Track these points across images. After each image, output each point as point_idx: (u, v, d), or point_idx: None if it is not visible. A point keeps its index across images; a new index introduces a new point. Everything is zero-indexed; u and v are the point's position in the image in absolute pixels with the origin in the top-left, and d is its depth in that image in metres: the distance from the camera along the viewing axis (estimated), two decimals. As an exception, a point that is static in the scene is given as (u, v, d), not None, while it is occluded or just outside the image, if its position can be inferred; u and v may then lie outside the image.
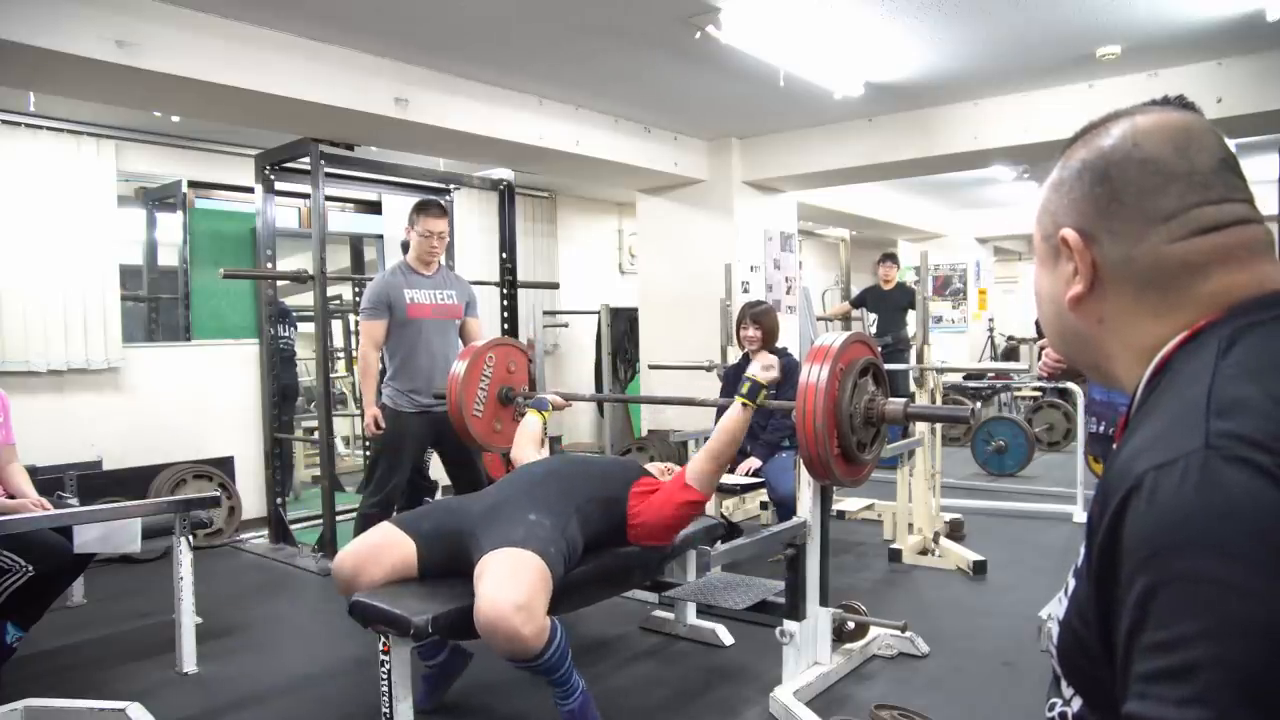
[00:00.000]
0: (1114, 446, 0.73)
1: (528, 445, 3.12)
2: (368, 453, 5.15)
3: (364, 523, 3.77)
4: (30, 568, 2.90)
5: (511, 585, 2.17)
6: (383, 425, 3.78)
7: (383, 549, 2.46)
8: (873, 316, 7.83)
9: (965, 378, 8.00)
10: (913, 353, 6.60)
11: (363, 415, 3.92)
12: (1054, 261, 0.79)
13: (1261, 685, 0.53)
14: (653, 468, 2.95)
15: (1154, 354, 0.73)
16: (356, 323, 4.43)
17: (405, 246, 4.71)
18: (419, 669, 2.77)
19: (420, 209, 3.91)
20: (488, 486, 2.90)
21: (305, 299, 6.30)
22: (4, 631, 2.98)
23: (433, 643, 2.68)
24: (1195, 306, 0.71)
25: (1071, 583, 0.71)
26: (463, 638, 2.61)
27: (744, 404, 2.65)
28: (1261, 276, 0.71)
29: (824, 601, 2.92)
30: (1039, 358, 2.35)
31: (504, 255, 5.71)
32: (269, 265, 4.92)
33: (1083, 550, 0.69)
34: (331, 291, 6.45)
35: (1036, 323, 2.82)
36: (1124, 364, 0.76)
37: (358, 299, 5.17)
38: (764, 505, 5.07)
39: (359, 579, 2.40)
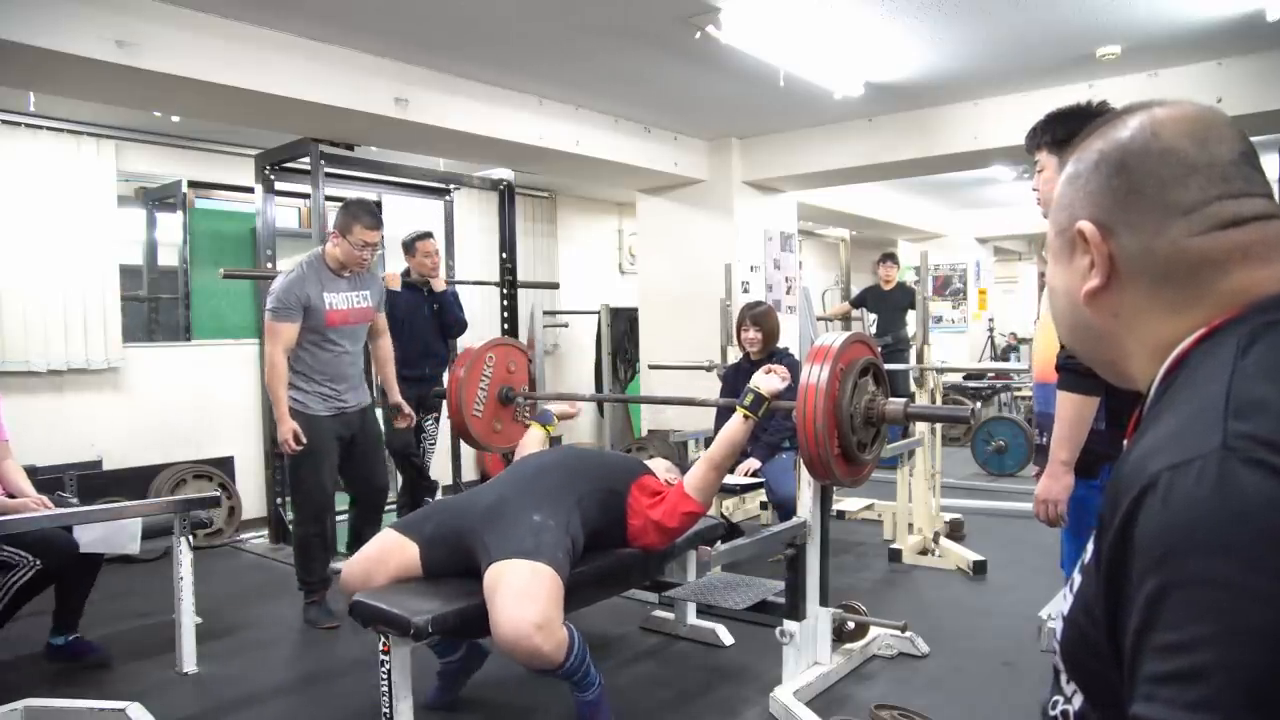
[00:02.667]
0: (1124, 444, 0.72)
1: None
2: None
3: (302, 544, 3.65)
4: (36, 561, 2.92)
5: (529, 603, 2.18)
6: (304, 440, 3.44)
7: (386, 556, 2.50)
8: (873, 316, 7.82)
9: (965, 378, 8.00)
10: (913, 353, 6.59)
11: (277, 429, 3.49)
12: (1070, 256, 0.77)
13: (1271, 692, 0.52)
14: (654, 464, 2.95)
15: (1169, 351, 0.71)
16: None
17: (407, 247, 4.74)
18: (432, 666, 2.78)
19: (355, 215, 3.48)
20: (488, 481, 2.90)
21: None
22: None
23: (449, 641, 2.69)
24: (1214, 303, 0.70)
25: (1078, 579, 0.71)
26: (464, 637, 2.62)
27: (745, 415, 2.65)
28: None
29: (824, 601, 2.92)
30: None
31: (504, 255, 5.71)
32: (269, 265, 4.92)
33: (1091, 547, 0.68)
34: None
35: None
36: (1139, 361, 0.75)
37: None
38: (764, 505, 5.07)
39: (366, 589, 2.43)
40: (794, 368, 3.22)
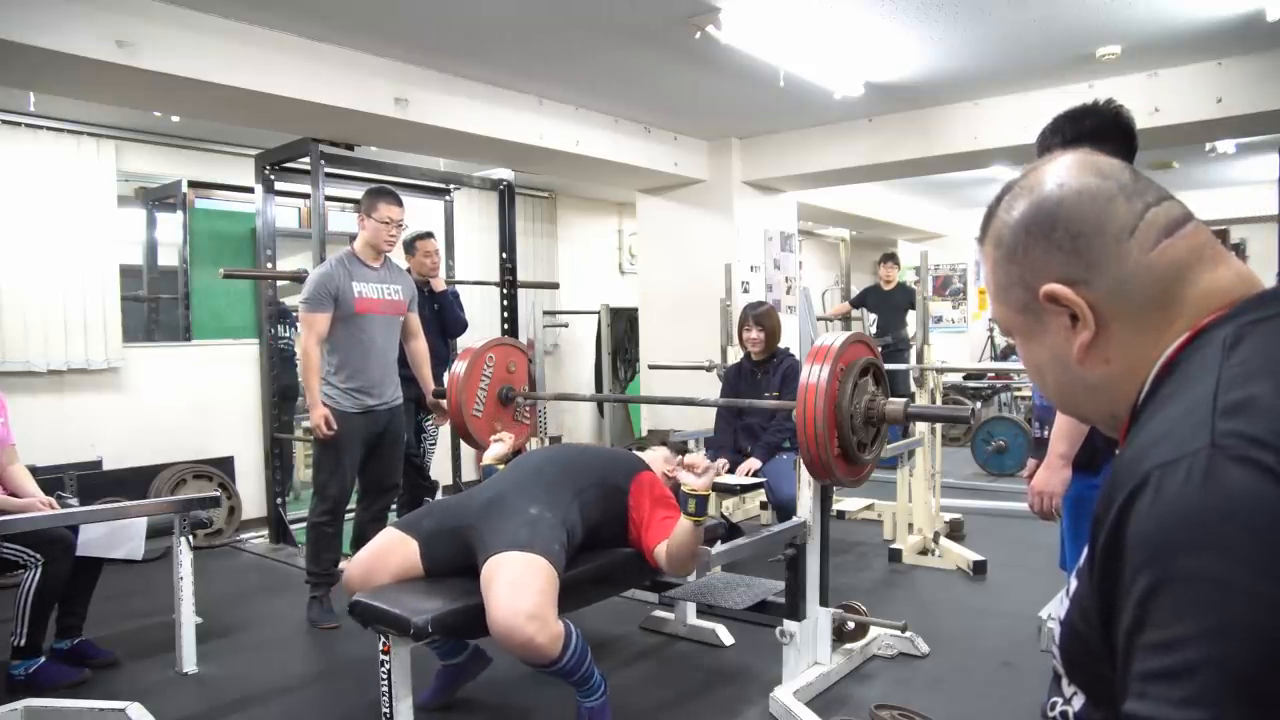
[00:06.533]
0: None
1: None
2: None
3: (315, 533, 3.71)
4: (40, 557, 2.92)
5: (523, 594, 2.19)
6: (334, 426, 3.54)
7: (386, 554, 2.51)
8: (873, 317, 7.83)
9: (965, 378, 8.00)
10: (913, 353, 6.59)
11: (310, 415, 3.60)
12: (1040, 328, 0.77)
13: (1260, 686, 0.52)
14: (653, 454, 2.95)
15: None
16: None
17: (408, 247, 4.73)
18: (427, 666, 2.78)
19: (378, 194, 3.68)
20: (487, 479, 2.90)
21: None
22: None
23: (456, 642, 2.70)
24: (1192, 312, 0.71)
25: (1073, 582, 0.71)
26: (464, 637, 2.62)
27: (696, 522, 2.40)
28: (1237, 269, 0.72)
29: (824, 601, 2.92)
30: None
31: (504, 255, 5.71)
32: (269, 265, 4.93)
33: (1086, 550, 0.69)
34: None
35: None
36: (1136, 395, 0.74)
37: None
38: (764, 505, 5.07)
39: (367, 588, 2.43)
40: (795, 368, 3.23)
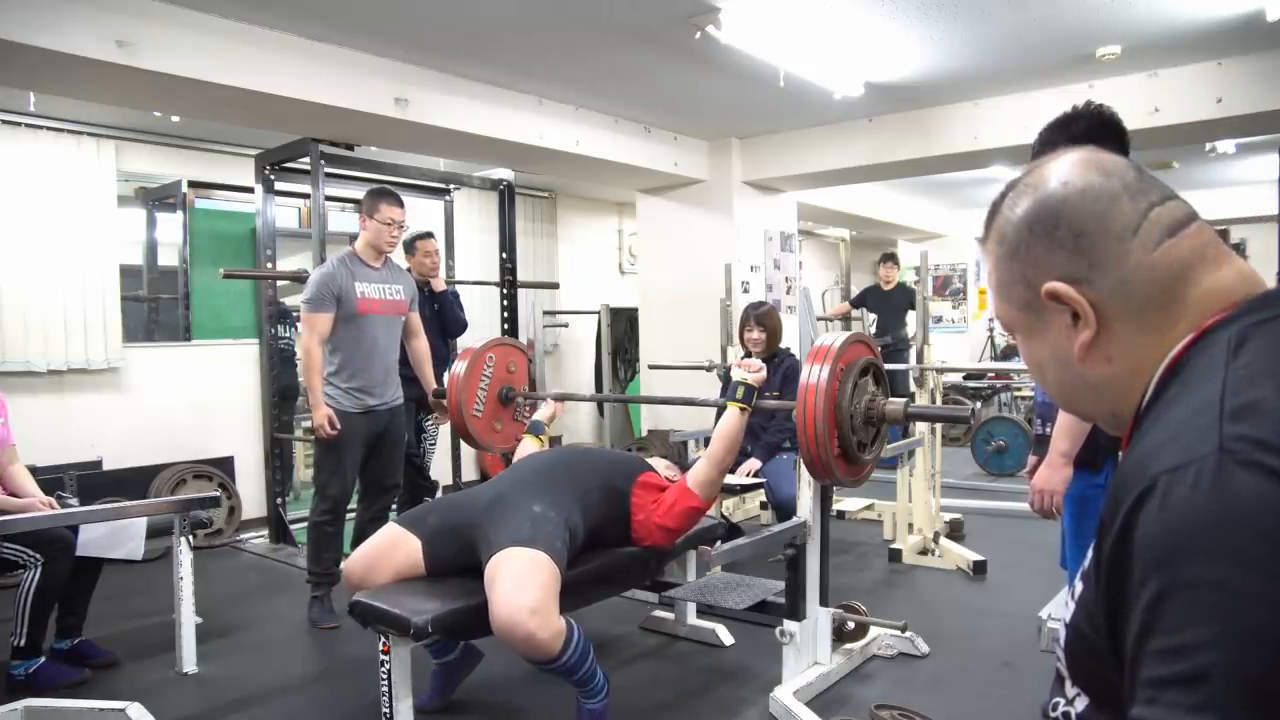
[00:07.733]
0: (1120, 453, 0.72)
1: None
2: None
3: (315, 533, 3.71)
4: (40, 557, 2.92)
5: (525, 589, 2.19)
6: (338, 426, 3.55)
7: (389, 550, 2.50)
8: (873, 317, 7.83)
9: (965, 378, 8.00)
10: (913, 353, 6.59)
11: (312, 415, 3.61)
12: (1042, 326, 0.77)
13: (1272, 693, 0.52)
14: (657, 463, 2.96)
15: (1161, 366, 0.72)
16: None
17: (408, 247, 4.73)
18: (427, 666, 2.78)
19: (380, 195, 3.70)
20: (491, 479, 2.90)
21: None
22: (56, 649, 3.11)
23: (444, 641, 2.69)
24: (1195, 313, 0.71)
25: (1079, 586, 0.71)
26: (464, 638, 2.62)
27: (741, 408, 2.68)
28: (1240, 269, 0.72)
29: (824, 601, 2.92)
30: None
31: (504, 255, 5.71)
32: (269, 265, 4.93)
33: (1091, 553, 0.68)
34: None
35: None
36: (1139, 395, 0.74)
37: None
38: (764, 505, 5.07)
39: (367, 582, 2.44)
40: (795, 369, 3.22)
